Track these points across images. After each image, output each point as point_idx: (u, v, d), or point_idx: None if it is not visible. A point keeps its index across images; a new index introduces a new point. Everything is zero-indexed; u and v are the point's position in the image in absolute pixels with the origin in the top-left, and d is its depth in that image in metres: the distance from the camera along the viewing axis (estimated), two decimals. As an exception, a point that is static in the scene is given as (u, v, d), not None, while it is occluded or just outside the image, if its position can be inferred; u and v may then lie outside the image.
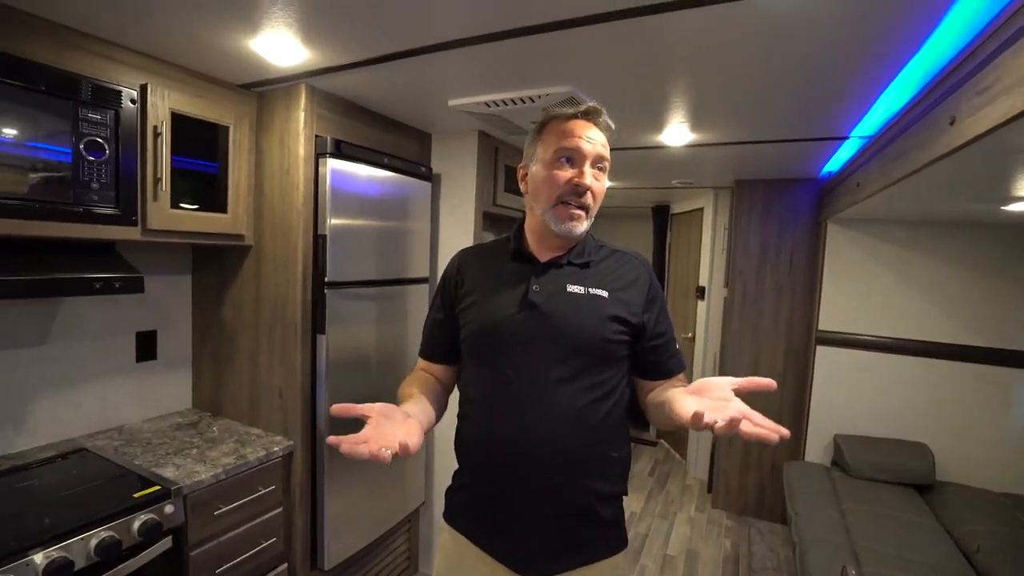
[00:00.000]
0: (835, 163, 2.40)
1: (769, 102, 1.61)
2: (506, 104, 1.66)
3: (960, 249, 2.54)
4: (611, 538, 1.06)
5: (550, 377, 0.97)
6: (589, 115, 1.01)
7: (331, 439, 0.73)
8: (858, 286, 2.75)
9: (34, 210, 1.20)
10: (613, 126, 1.02)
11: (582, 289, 1.01)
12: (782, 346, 3.03)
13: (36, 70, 1.20)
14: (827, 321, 2.82)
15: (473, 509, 1.07)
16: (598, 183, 1.01)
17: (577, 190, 0.99)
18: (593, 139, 1.00)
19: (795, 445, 2.98)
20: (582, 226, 1.01)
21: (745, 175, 2.97)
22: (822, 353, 2.84)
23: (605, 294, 1.01)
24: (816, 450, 2.87)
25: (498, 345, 1.02)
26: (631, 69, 1.40)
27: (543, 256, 1.06)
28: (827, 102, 1.56)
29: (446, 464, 2.29)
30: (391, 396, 1.98)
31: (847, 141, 1.98)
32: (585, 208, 1.01)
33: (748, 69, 1.35)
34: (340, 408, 0.79)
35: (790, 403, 3.02)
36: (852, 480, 2.50)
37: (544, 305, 1.00)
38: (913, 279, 2.63)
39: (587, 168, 0.99)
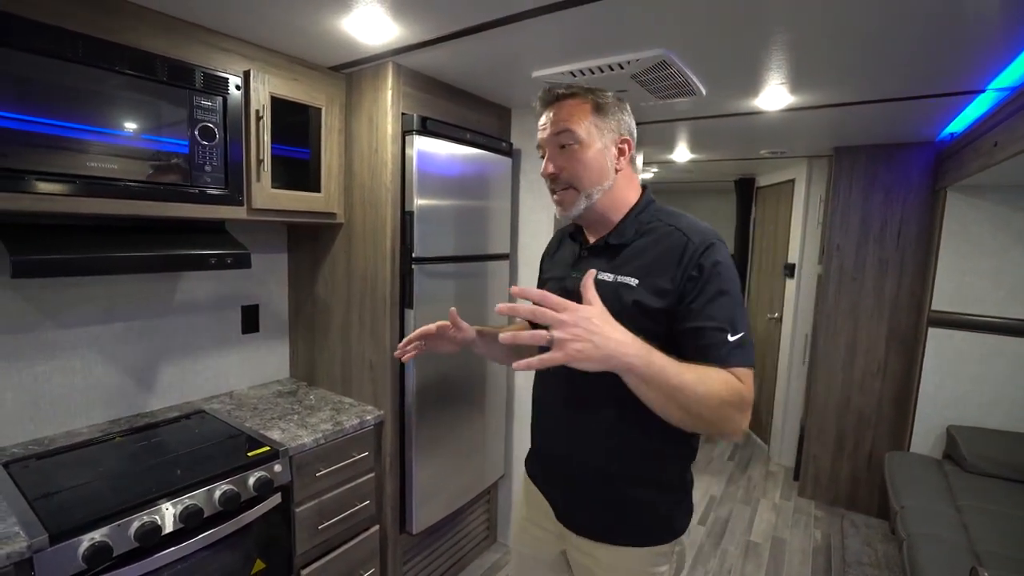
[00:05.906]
0: (960, 122, 2.12)
1: (887, 54, 1.43)
2: (592, 72, 1.59)
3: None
4: (649, 527, 1.01)
5: (582, 372, 0.83)
6: (546, 104, 1.01)
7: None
8: (986, 262, 2.44)
9: (160, 192, 1.31)
10: (592, 91, 1.03)
11: (611, 277, 0.96)
12: (884, 328, 2.77)
13: (158, 62, 1.29)
14: (943, 301, 2.54)
15: (536, 463, 1.18)
16: (564, 159, 0.98)
17: (550, 179, 1.01)
18: (547, 123, 1.00)
19: (899, 434, 2.74)
20: (569, 207, 1.00)
21: (847, 141, 2.71)
22: (935, 336, 2.57)
23: (634, 282, 0.93)
24: (924, 441, 2.62)
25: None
26: (730, 24, 1.29)
27: (592, 238, 1.06)
28: (960, 49, 1.37)
29: (524, 441, 2.31)
30: (473, 371, 2.04)
31: (981, 95, 1.74)
32: (563, 189, 1.00)
33: (865, 14, 1.20)
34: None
35: (892, 389, 2.77)
36: (969, 475, 2.27)
37: (575, 294, 0.85)
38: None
39: (547, 156, 1.01)
